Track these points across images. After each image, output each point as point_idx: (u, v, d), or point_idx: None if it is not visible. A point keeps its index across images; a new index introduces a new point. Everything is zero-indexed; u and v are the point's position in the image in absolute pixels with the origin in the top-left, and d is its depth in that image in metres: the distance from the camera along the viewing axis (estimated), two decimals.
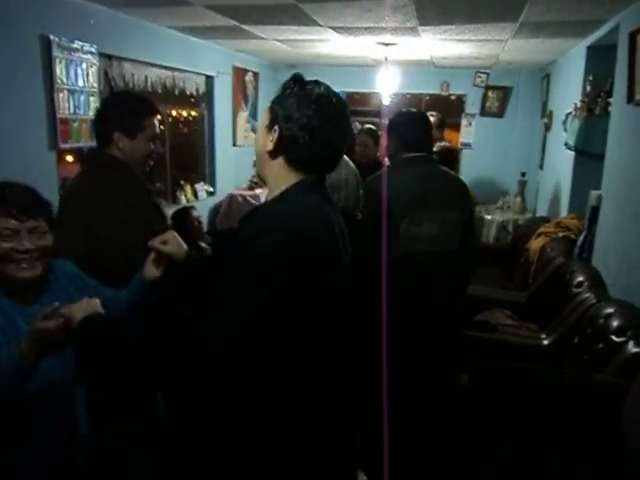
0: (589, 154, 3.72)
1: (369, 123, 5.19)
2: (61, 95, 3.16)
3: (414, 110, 2.61)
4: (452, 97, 6.82)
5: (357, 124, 4.48)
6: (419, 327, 2.19)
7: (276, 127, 1.18)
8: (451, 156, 3.84)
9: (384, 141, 2.76)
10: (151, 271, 1.48)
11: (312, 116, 1.17)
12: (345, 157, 2.06)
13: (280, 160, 1.21)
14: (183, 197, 5.06)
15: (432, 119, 4.33)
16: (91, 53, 3.40)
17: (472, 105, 6.65)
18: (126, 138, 1.80)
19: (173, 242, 1.47)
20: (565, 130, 4.19)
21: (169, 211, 3.56)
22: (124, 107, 1.86)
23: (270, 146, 1.20)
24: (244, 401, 1.10)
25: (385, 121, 6.76)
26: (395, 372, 1.39)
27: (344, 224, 1.27)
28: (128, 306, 1.50)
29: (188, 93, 5.01)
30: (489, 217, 5.76)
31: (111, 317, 1.25)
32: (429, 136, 2.43)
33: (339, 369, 1.21)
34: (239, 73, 5.87)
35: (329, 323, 1.15)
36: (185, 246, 1.48)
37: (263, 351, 1.03)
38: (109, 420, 1.59)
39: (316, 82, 1.24)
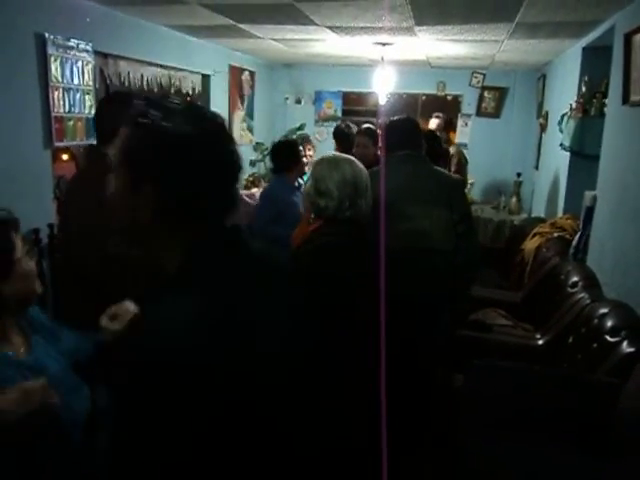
0: (584, 155, 3.74)
1: (366, 123, 5.18)
2: (56, 93, 3.15)
3: (401, 116, 2.75)
4: (448, 97, 6.83)
5: (351, 125, 4.46)
6: (408, 326, 2.18)
7: (146, 186, 0.84)
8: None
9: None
10: (107, 335, 1.35)
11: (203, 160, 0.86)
12: (348, 157, 2.02)
13: (163, 222, 0.87)
14: None
15: (437, 120, 4.33)
16: (87, 51, 3.39)
17: (468, 105, 6.67)
18: None
19: (124, 316, 1.33)
20: (560, 131, 4.20)
21: None
22: (127, 104, 1.87)
23: (145, 211, 0.85)
24: None
25: (381, 121, 6.76)
26: (389, 372, 1.39)
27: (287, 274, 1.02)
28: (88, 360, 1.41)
29: (184, 92, 4.99)
30: (484, 217, 5.78)
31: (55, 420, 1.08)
32: (414, 137, 2.52)
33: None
34: (235, 72, 5.86)
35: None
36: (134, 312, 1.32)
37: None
38: None
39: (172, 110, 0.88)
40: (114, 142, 1.88)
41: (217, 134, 0.89)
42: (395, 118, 2.70)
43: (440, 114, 4.28)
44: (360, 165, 1.88)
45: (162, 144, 0.83)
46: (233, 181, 0.91)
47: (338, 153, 2.09)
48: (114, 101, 2.03)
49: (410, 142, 2.51)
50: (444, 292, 2.36)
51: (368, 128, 3.66)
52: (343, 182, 1.79)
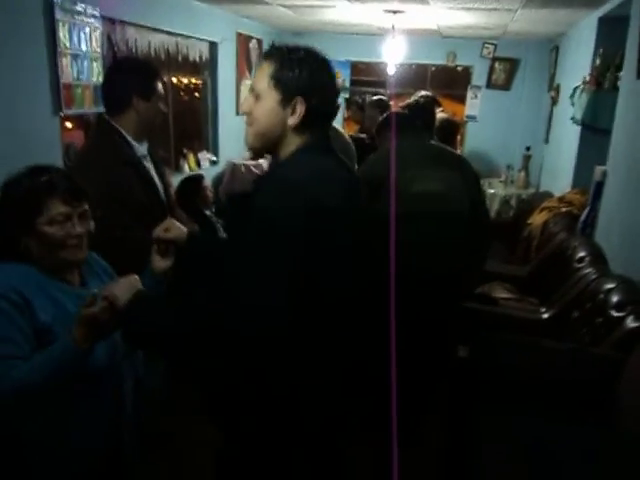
0: (596, 129, 3.69)
1: (376, 94, 5.11)
2: (64, 60, 3.12)
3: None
4: (458, 68, 6.73)
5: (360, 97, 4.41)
6: (428, 292, 2.19)
7: (298, 99, 1.19)
8: (449, 129, 3.81)
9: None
10: (159, 264, 1.46)
11: (327, 82, 1.23)
12: (339, 127, 2.09)
13: (297, 126, 1.22)
14: (186, 166, 5.04)
15: (422, 100, 4.32)
16: (94, 17, 3.34)
17: (478, 77, 6.56)
18: (142, 101, 1.89)
19: (174, 228, 1.46)
20: (572, 104, 4.15)
21: (174, 180, 3.57)
22: (137, 71, 1.93)
23: (294, 120, 1.21)
24: (263, 365, 1.16)
25: (390, 91, 6.66)
26: (397, 341, 1.42)
27: (358, 185, 1.32)
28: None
29: (191, 60, 4.93)
30: (492, 191, 5.75)
31: (154, 295, 1.29)
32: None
33: (351, 338, 1.26)
34: (243, 40, 5.77)
35: (344, 290, 1.21)
36: (185, 230, 1.48)
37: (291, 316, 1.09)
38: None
39: (307, 48, 1.27)
40: (125, 114, 1.92)
41: (332, 75, 1.27)
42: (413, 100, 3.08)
43: (424, 94, 4.26)
44: (341, 136, 1.96)
45: (309, 68, 1.20)
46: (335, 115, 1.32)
47: None
48: (123, 69, 2.01)
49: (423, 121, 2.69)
50: (463, 259, 2.33)
51: (379, 99, 3.64)
52: None
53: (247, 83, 5.97)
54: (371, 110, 3.55)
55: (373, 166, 2.23)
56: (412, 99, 3.91)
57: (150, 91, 1.90)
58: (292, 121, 1.21)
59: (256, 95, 1.23)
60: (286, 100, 1.20)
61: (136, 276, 1.25)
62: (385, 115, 2.69)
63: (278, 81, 1.20)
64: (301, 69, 1.19)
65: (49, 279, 1.30)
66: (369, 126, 3.27)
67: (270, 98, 1.21)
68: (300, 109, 1.19)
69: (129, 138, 1.91)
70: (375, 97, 3.75)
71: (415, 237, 2.12)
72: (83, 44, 3.26)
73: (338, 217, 1.18)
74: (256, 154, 1.47)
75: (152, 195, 1.95)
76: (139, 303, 1.17)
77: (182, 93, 5.36)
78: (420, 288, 2.11)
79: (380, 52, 6.07)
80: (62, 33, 3.07)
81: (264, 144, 1.27)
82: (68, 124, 3.45)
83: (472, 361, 2.50)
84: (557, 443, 1.86)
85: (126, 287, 1.19)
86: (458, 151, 3.97)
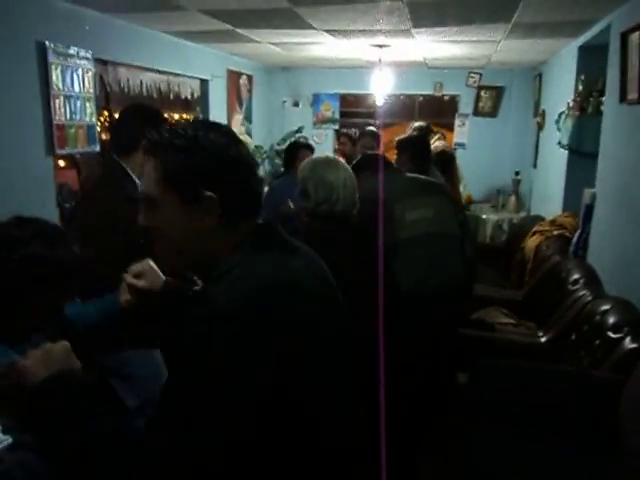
0: (582, 153, 3.76)
1: (362, 125, 5.22)
2: (57, 101, 3.16)
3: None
4: (445, 97, 6.87)
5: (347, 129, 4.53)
6: (425, 317, 2.24)
7: (204, 193, 0.93)
8: (444, 159, 3.90)
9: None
10: (125, 297, 1.33)
11: (237, 156, 0.98)
12: (341, 159, 2.14)
13: (222, 225, 0.97)
14: None
15: (415, 134, 4.46)
16: (87, 59, 3.40)
17: (465, 105, 6.70)
18: None
19: (148, 275, 1.30)
20: (558, 129, 4.23)
21: None
22: (147, 119, 2.05)
23: (211, 221, 0.95)
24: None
25: (379, 122, 6.79)
26: (395, 370, 1.42)
27: (321, 268, 1.07)
28: (93, 324, 1.39)
29: (183, 97, 5.01)
30: (484, 216, 5.81)
31: (71, 391, 0.96)
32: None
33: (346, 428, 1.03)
34: (233, 76, 5.88)
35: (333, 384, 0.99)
36: (162, 277, 1.31)
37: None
38: None
39: (195, 124, 1.04)
40: (133, 155, 2.04)
41: (237, 140, 1.01)
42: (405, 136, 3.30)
43: (417, 125, 4.40)
44: (340, 164, 2.08)
45: (206, 149, 0.95)
46: (261, 196, 1.06)
47: (324, 154, 2.31)
48: (135, 116, 2.12)
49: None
50: (462, 279, 2.44)
51: (372, 131, 3.80)
52: (319, 182, 1.99)
53: (238, 118, 6.07)
54: (367, 139, 3.73)
55: (366, 205, 2.28)
56: (407, 132, 4.04)
57: None
58: (209, 222, 0.95)
59: (151, 203, 0.97)
60: (190, 198, 0.94)
61: (67, 344, 1.03)
62: (359, 157, 2.81)
63: (170, 179, 0.95)
64: (194, 153, 0.94)
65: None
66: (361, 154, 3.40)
67: (169, 202, 0.95)
68: (212, 204, 0.94)
69: (134, 177, 2.03)
70: (368, 128, 3.94)
71: (420, 260, 2.28)
72: (76, 85, 3.32)
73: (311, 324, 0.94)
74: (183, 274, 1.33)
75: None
76: (55, 387, 0.93)
77: None
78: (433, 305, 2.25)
79: (368, 84, 6.19)
80: (55, 75, 3.12)
81: (186, 260, 1.02)
82: (61, 163, 3.48)
83: (472, 388, 2.48)
84: (560, 467, 1.84)
85: (45, 361, 0.97)
86: (460, 179, 4.14)
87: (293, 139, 6.16)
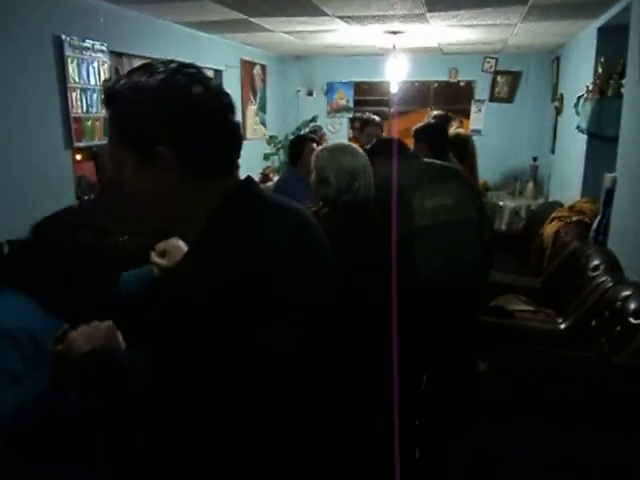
0: (602, 137, 3.69)
1: (377, 112, 5.20)
2: (74, 94, 3.20)
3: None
4: (461, 83, 6.78)
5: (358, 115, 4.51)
6: (445, 302, 2.25)
7: (157, 151, 0.82)
8: (458, 144, 3.86)
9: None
10: (158, 261, 1.39)
11: (200, 104, 0.84)
12: (354, 145, 2.13)
13: (188, 183, 0.85)
14: None
15: (433, 122, 4.43)
16: (102, 51, 3.43)
17: (481, 91, 6.61)
18: None
19: (174, 253, 1.32)
20: (577, 113, 4.15)
21: None
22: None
23: (168, 177, 0.84)
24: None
25: (394, 109, 6.73)
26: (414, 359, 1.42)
27: (319, 230, 0.98)
28: (134, 291, 1.44)
29: None
30: (501, 203, 5.75)
31: (116, 363, 0.99)
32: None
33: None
34: (247, 66, 5.87)
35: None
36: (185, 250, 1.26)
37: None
38: None
39: (151, 68, 0.85)
40: None
41: (202, 78, 0.87)
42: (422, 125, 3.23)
43: (436, 113, 4.35)
44: (357, 150, 2.05)
45: (165, 102, 0.82)
46: (239, 144, 0.90)
47: (339, 141, 2.27)
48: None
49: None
50: (480, 264, 2.43)
51: (374, 119, 3.91)
52: (340, 170, 1.95)
53: (252, 108, 6.07)
54: (373, 128, 3.74)
55: (383, 192, 2.27)
56: (425, 120, 4.02)
57: None
58: (165, 181, 0.84)
59: (116, 163, 0.88)
60: (145, 156, 0.83)
61: (109, 324, 1.10)
62: (374, 141, 2.79)
63: (123, 136, 0.85)
64: (144, 104, 0.82)
65: (53, 318, 1.26)
66: (366, 142, 3.39)
67: (125, 161, 0.85)
68: (167, 160, 0.83)
69: None
70: (372, 116, 3.98)
71: (440, 248, 2.27)
72: (92, 78, 3.34)
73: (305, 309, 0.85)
74: (160, 235, 1.30)
75: None
76: (91, 367, 0.96)
77: None
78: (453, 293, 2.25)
79: (382, 71, 6.14)
80: (71, 68, 3.15)
81: (156, 219, 0.92)
82: (79, 156, 3.52)
83: (492, 375, 2.47)
84: (583, 454, 1.83)
85: (90, 336, 1.04)
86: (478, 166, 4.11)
87: (301, 132, 6.15)
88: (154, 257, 1.36)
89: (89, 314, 1.22)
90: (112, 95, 0.85)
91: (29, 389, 1.15)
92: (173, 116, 0.82)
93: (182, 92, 0.82)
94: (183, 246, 1.33)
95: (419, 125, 3.28)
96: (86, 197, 3.30)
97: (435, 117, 4.16)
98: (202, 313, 0.76)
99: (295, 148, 3.64)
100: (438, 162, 2.60)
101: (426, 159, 2.62)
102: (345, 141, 2.26)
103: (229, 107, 0.87)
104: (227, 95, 0.88)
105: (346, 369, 1.00)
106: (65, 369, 1.06)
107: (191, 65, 0.88)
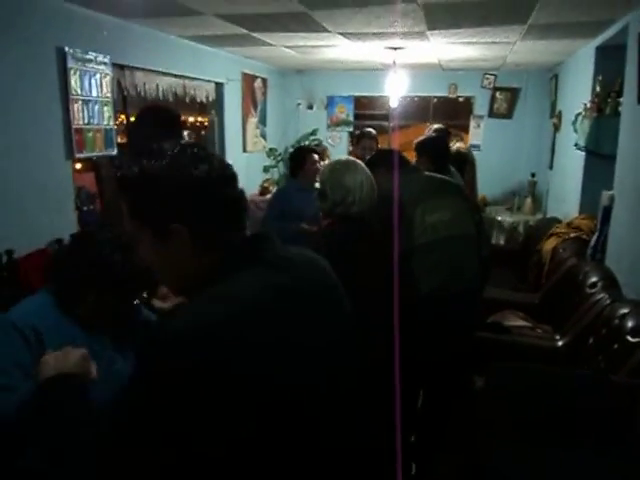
0: (600, 154, 3.72)
1: (376, 127, 5.24)
2: (76, 105, 3.21)
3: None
4: (460, 99, 6.83)
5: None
6: (445, 318, 2.25)
7: (172, 228, 0.90)
8: (458, 159, 3.89)
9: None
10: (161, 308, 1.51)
11: (205, 178, 0.91)
12: (359, 161, 2.16)
13: (199, 248, 0.93)
14: None
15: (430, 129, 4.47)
16: (104, 64, 3.45)
17: (480, 107, 6.66)
18: None
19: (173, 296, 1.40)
20: (575, 131, 4.19)
21: None
22: (166, 119, 2.17)
23: (185, 251, 0.91)
24: None
25: (394, 124, 6.78)
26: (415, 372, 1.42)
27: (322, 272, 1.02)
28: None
29: (199, 100, 5.06)
30: (499, 218, 5.77)
31: (79, 391, 1.05)
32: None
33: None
34: (248, 79, 5.92)
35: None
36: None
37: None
38: None
39: (161, 151, 0.94)
40: None
41: (204, 156, 0.94)
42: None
43: (436, 127, 4.38)
44: (358, 167, 2.12)
45: (175, 184, 0.89)
46: (242, 208, 0.98)
47: (344, 157, 2.31)
48: (150, 117, 2.17)
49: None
50: (478, 280, 2.44)
51: (370, 132, 3.94)
52: (336, 184, 2.06)
53: (253, 121, 6.10)
54: (368, 141, 3.79)
55: (385, 206, 2.28)
56: (426, 134, 4.06)
57: (178, 135, 2.17)
58: (185, 252, 0.91)
59: (135, 238, 0.97)
60: (160, 233, 0.91)
61: (85, 353, 1.14)
62: (374, 153, 2.81)
63: (138, 216, 0.93)
64: (155, 188, 0.90)
65: (65, 317, 1.36)
66: (361, 156, 3.42)
67: (144, 237, 0.93)
68: (182, 235, 0.90)
69: None
70: (367, 129, 4.01)
71: (439, 264, 2.28)
72: (94, 90, 3.37)
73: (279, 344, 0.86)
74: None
75: None
76: (53, 387, 1.03)
77: (190, 132, 5.47)
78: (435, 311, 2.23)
79: (383, 86, 6.19)
80: (74, 80, 3.17)
81: (172, 280, 1.00)
82: (79, 166, 3.54)
83: (488, 391, 2.47)
84: (576, 472, 1.82)
85: (59, 361, 1.09)
86: (477, 180, 4.14)
87: (302, 143, 6.18)
88: (157, 302, 1.40)
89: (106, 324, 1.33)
90: (123, 182, 0.94)
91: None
92: (181, 196, 0.89)
93: (188, 173, 0.90)
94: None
95: (420, 138, 3.29)
96: (85, 208, 3.31)
97: (436, 130, 4.19)
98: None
99: (296, 159, 3.67)
100: (438, 176, 2.62)
101: (427, 173, 2.63)
102: (348, 157, 2.30)
103: (232, 177, 0.96)
104: (229, 167, 0.97)
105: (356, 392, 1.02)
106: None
107: (195, 144, 0.96)
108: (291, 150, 5.18)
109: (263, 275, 0.90)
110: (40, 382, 1.06)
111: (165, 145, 0.93)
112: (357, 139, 4.07)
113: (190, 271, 0.93)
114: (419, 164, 3.00)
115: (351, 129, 7.13)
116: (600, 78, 3.88)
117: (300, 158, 3.64)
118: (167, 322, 0.90)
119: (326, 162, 4.89)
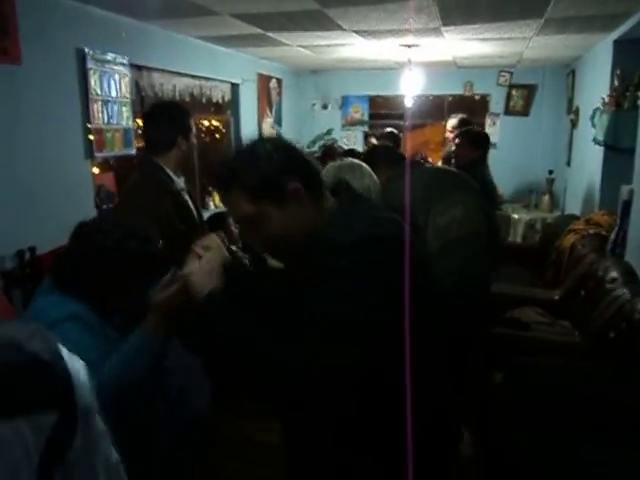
0: (619, 149, 3.68)
1: (391, 126, 5.24)
2: (95, 106, 3.26)
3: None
4: (476, 97, 6.80)
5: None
6: (458, 316, 2.22)
7: (291, 186, 1.07)
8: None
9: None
10: (189, 268, 1.47)
11: (294, 149, 1.13)
12: (366, 166, 2.10)
13: (309, 205, 1.11)
14: (211, 203, 5.15)
15: (454, 121, 4.42)
16: (123, 64, 3.50)
17: (496, 104, 6.62)
18: (184, 141, 2.18)
19: (214, 249, 1.28)
20: (593, 126, 4.15)
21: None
22: (178, 115, 2.21)
23: (304, 202, 1.09)
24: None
25: (408, 123, 6.75)
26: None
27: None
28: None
29: (214, 101, 5.11)
30: (516, 216, 5.72)
31: (236, 300, 1.13)
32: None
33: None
34: (263, 80, 5.96)
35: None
36: (227, 254, 1.29)
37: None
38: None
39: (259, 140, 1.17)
40: (168, 154, 2.14)
41: (281, 143, 1.15)
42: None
43: (457, 116, 4.32)
44: (365, 171, 2.05)
45: (273, 156, 1.08)
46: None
47: (351, 160, 2.22)
48: (165, 114, 2.22)
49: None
50: (489, 276, 2.39)
51: (391, 132, 3.86)
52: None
53: (268, 121, 6.14)
54: (385, 141, 3.78)
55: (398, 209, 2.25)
56: (449, 125, 4.10)
57: (189, 131, 2.20)
58: (306, 204, 1.09)
59: (248, 221, 1.10)
60: (281, 199, 1.07)
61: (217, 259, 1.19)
62: (372, 146, 2.78)
63: (256, 195, 1.07)
64: (260, 165, 1.07)
65: (102, 321, 1.38)
66: None
67: (266, 212, 1.07)
68: (299, 191, 1.08)
69: (170, 173, 2.17)
70: (387, 129, 3.99)
71: (453, 264, 2.17)
72: (113, 90, 3.42)
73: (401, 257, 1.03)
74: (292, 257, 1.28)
75: (189, 222, 2.17)
76: (220, 300, 1.08)
77: (206, 133, 5.52)
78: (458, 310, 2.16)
79: (397, 85, 6.18)
80: (93, 81, 3.22)
81: (291, 243, 1.12)
82: (99, 166, 3.59)
83: (507, 387, 2.45)
84: (600, 467, 1.80)
85: (207, 273, 1.12)
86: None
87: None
88: (198, 249, 1.31)
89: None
90: (231, 174, 1.11)
91: (133, 345, 1.24)
92: (288, 160, 1.10)
93: (287, 142, 1.16)
94: (221, 243, 1.34)
95: (463, 129, 3.56)
96: (105, 206, 3.36)
97: (460, 121, 4.15)
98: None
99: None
100: (444, 170, 2.56)
101: (431, 167, 2.58)
102: (355, 160, 2.20)
103: (300, 147, 1.17)
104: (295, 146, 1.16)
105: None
106: (182, 310, 1.18)
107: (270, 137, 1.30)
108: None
109: (374, 210, 1.16)
110: (203, 299, 1.08)
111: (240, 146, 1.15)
112: (377, 139, 4.08)
113: (317, 220, 1.09)
114: (462, 154, 3.02)
115: (366, 129, 7.13)
116: (618, 72, 3.83)
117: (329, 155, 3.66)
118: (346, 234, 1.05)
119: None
